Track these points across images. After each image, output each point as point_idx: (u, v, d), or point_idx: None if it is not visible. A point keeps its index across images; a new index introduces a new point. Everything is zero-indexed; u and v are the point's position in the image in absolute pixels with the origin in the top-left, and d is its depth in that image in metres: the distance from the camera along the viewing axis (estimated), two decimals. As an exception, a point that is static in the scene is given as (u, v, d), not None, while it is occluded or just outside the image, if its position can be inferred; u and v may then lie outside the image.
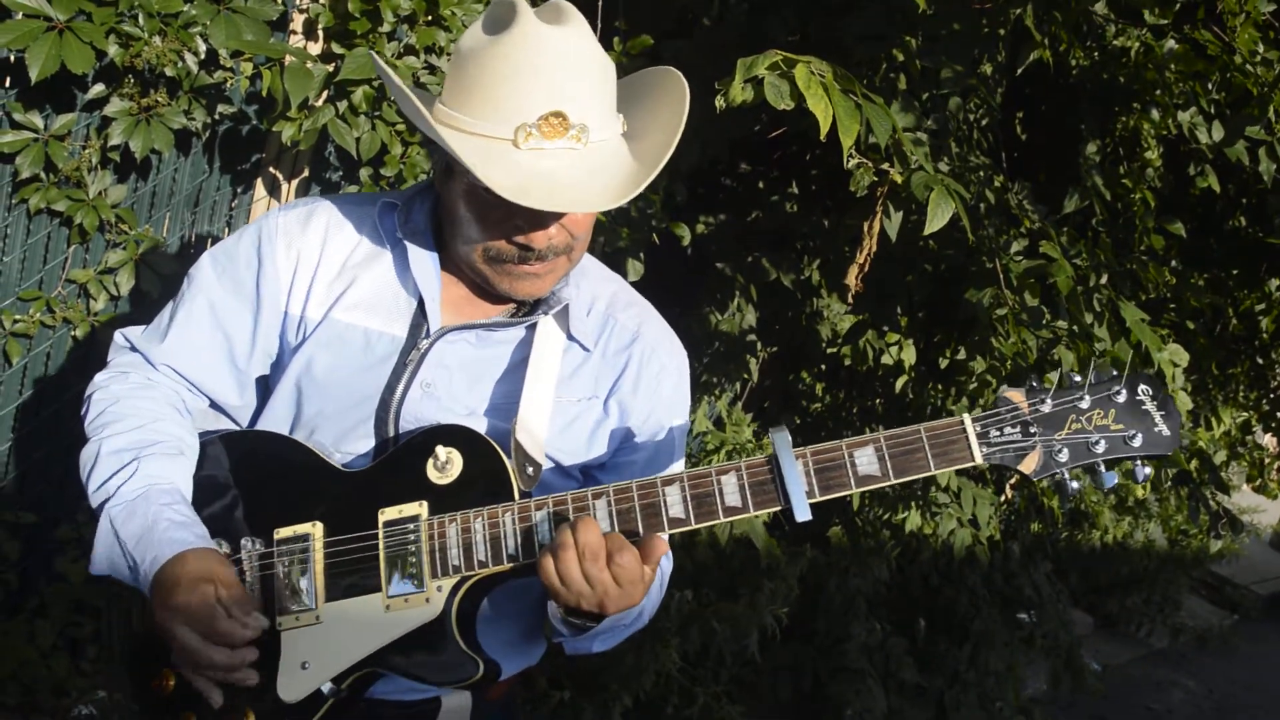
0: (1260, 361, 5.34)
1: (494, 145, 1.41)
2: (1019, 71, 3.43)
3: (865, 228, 3.46)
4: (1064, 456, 1.38)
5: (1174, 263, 4.57)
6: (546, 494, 1.46)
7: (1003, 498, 5.51)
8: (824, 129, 2.33)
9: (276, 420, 1.62)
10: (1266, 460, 6.79)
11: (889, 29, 3.25)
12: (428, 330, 1.57)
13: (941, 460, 1.38)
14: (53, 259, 2.70)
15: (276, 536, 1.52)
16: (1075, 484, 1.39)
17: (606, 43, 3.02)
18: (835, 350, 4.45)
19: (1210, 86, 3.55)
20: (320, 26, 2.77)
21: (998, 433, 1.38)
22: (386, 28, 2.73)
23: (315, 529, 1.51)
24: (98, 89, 2.57)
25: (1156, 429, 1.38)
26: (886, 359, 4.22)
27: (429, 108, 1.45)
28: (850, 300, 3.95)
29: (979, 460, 1.38)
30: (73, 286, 2.73)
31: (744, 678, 4.28)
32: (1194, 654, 7.51)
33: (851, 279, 3.39)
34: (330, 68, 2.71)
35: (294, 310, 1.61)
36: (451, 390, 1.56)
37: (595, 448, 1.63)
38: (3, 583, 2.81)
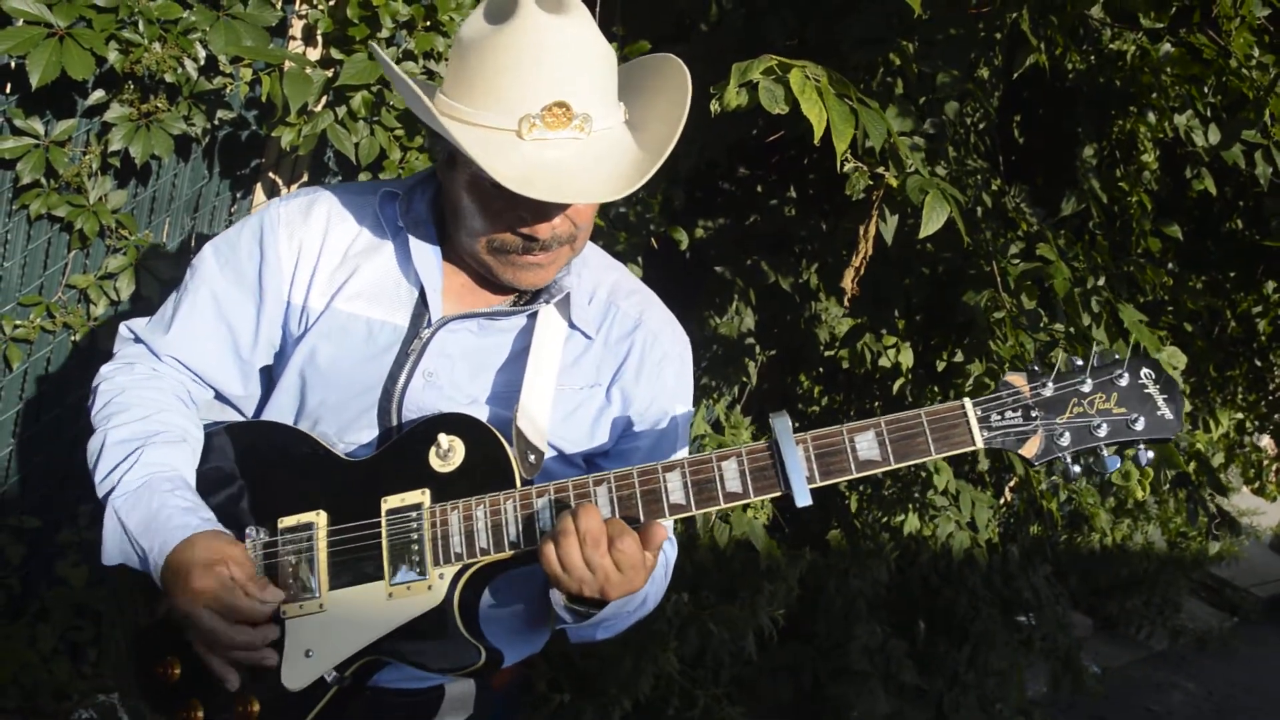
0: (1259, 364, 5.35)
1: (497, 136, 1.41)
2: (1016, 75, 3.44)
3: (861, 231, 3.46)
4: (1065, 440, 1.37)
5: (1171, 265, 4.58)
6: (549, 482, 1.46)
7: (1001, 500, 5.51)
8: (818, 133, 2.34)
9: (281, 411, 1.63)
10: (1265, 462, 6.79)
11: (887, 33, 3.26)
12: (429, 320, 1.58)
13: (942, 444, 1.37)
14: (53, 264, 2.71)
15: (280, 526, 1.53)
16: (1077, 468, 1.38)
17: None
18: (833, 353, 4.46)
19: (1206, 90, 3.56)
20: (319, 32, 2.79)
21: (999, 417, 1.37)
22: (385, 33, 2.75)
23: (319, 518, 1.52)
24: (98, 95, 2.58)
25: (1159, 412, 1.37)
26: (884, 362, 4.22)
27: (430, 98, 1.46)
28: (848, 303, 3.96)
29: (979, 444, 1.37)
30: (73, 292, 2.74)
31: (744, 679, 4.28)
32: (1193, 656, 7.52)
33: (847, 282, 3.39)
34: (329, 73, 2.72)
35: (296, 300, 1.61)
36: (454, 379, 1.57)
37: (598, 435, 1.63)
38: (5, 587, 2.82)
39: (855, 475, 1.39)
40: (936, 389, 4.44)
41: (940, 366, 4.33)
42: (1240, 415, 5.80)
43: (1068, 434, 1.37)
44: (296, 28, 2.88)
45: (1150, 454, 1.37)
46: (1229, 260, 4.84)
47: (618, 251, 3.38)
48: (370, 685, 1.55)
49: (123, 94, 2.58)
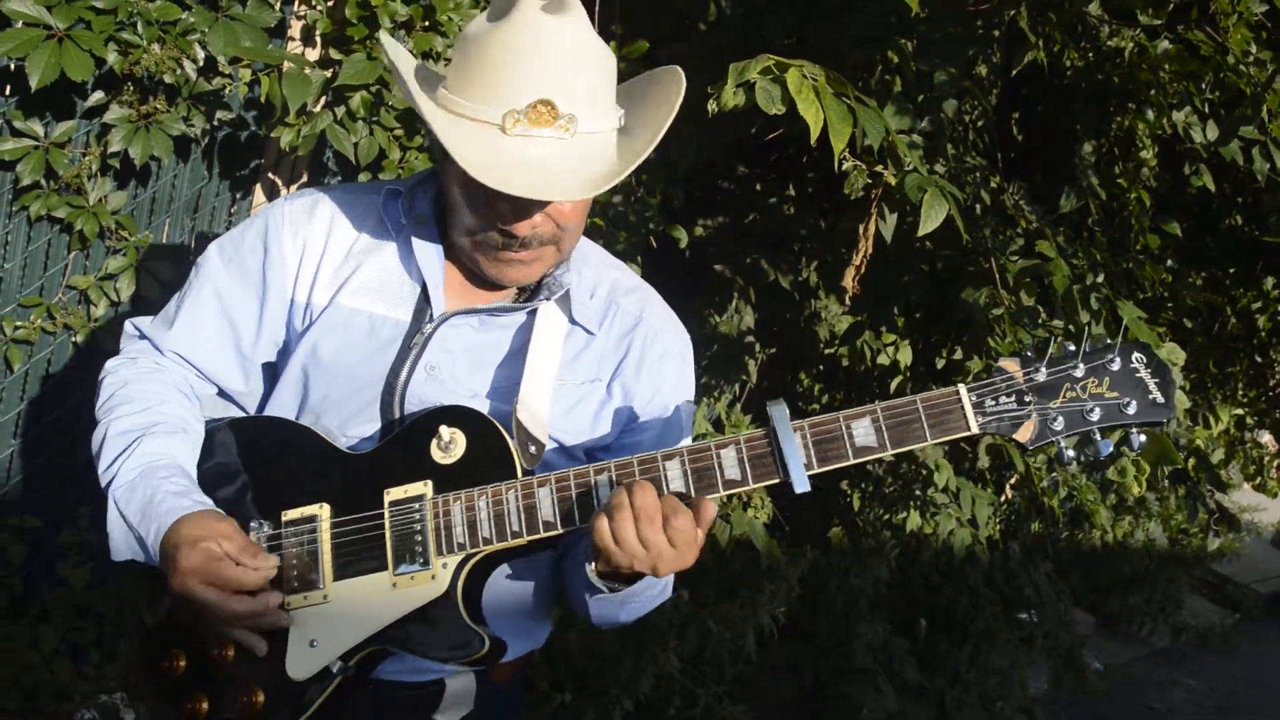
0: (1259, 360, 5.35)
1: (482, 129, 1.43)
2: (1014, 72, 3.45)
3: (860, 230, 3.47)
4: (1059, 425, 1.39)
5: (1170, 262, 4.57)
6: (550, 472, 1.48)
7: (1002, 498, 5.51)
8: (814, 133, 2.34)
9: (283, 406, 1.65)
10: (1266, 459, 6.79)
11: (885, 32, 3.27)
12: (431, 315, 1.60)
13: (938, 430, 1.39)
14: (53, 265, 2.71)
15: (284, 518, 1.54)
16: (1070, 452, 1.40)
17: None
18: (833, 351, 4.46)
19: (1204, 86, 3.56)
20: (318, 32, 2.79)
21: (993, 402, 1.39)
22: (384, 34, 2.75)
23: (322, 510, 1.53)
24: (97, 96, 2.58)
25: (1151, 396, 1.39)
26: (884, 359, 4.23)
27: (434, 92, 1.48)
28: (847, 301, 3.97)
29: (974, 429, 1.38)
30: (73, 293, 2.75)
31: (746, 678, 4.28)
32: (1195, 653, 7.52)
33: (848, 281, 3.41)
34: (328, 73, 2.72)
35: (300, 297, 1.63)
36: (455, 373, 1.58)
37: (599, 429, 1.65)
38: (7, 587, 2.82)
39: (852, 461, 1.41)
40: (936, 386, 4.44)
41: (940, 364, 4.34)
42: (1241, 411, 5.80)
43: (1061, 418, 1.39)
44: (295, 28, 2.89)
45: (1143, 438, 1.40)
46: (1228, 256, 4.84)
47: (618, 250, 3.39)
48: (373, 677, 1.57)
49: (122, 95, 2.58)
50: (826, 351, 4.53)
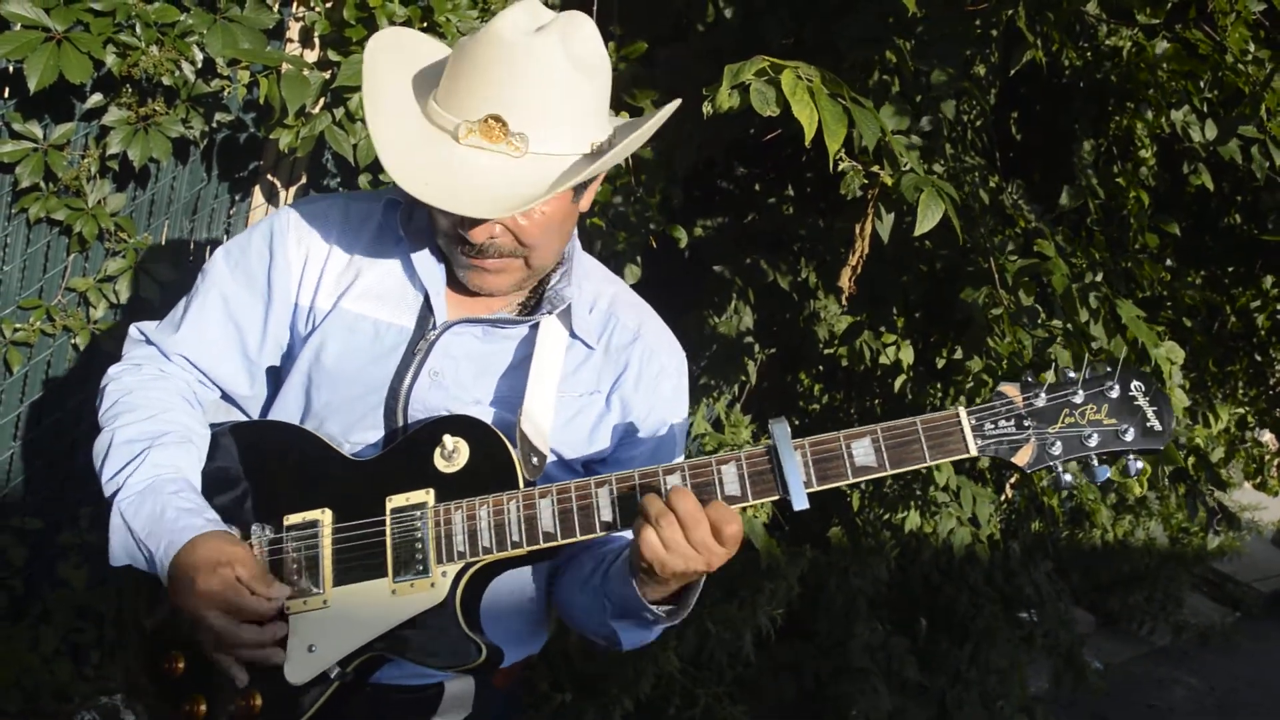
0: (1259, 359, 5.34)
1: (436, 135, 1.46)
2: (1012, 72, 3.44)
3: (857, 230, 3.47)
4: (1057, 450, 1.41)
5: (1169, 261, 4.57)
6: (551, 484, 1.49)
7: (1003, 497, 5.51)
8: (809, 134, 2.34)
9: (287, 411, 1.66)
10: (1266, 458, 6.79)
11: (883, 32, 3.27)
12: (434, 323, 1.61)
13: (937, 452, 1.41)
14: (52, 267, 2.72)
15: (286, 523, 1.55)
16: (1068, 477, 1.42)
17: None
18: (833, 351, 4.46)
19: (1202, 85, 3.56)
20: (316, 34, 2.80)
21: (992, 426, 1.41)
22: (382, 35, 2.75)
23: (324, 515, 1.54)
24: (96, 98, 2.59)
25: (1148, 424, 1.41)
26: (884, 359, 4.23)
27: (426, 95, 1.51)
28: (846, 301, 3.97)
29: (974, 451, 1.41)
30: (73, 295, 2.75)
31: (746, 678, 4.29)
32: (1196, 651, 7.51)
33: (845, 281, 3.40)
34: (327, 75, 2.73)
35: (304, 301, 1.65)
36: (459, 379, 1.60)
37: (597, 441, 1.67)
38: (7, 589, 2.83)
39: (851, 480, 1.43)
40: (936, 386, 4.44)
41: (940, 364, 4.33)
42: (1241, 410, 5.80)
43: (1059, 443, 1.41)
44: (293, 30, 2.89)
45: (1140, 464, 1.42)
46: (1227, 255, 4.84)
47: (617, 250, 3.39)
48: (371, 682, 1.57)
49: (121, 97, 2.58)
50: (826, 351, 4.53)
